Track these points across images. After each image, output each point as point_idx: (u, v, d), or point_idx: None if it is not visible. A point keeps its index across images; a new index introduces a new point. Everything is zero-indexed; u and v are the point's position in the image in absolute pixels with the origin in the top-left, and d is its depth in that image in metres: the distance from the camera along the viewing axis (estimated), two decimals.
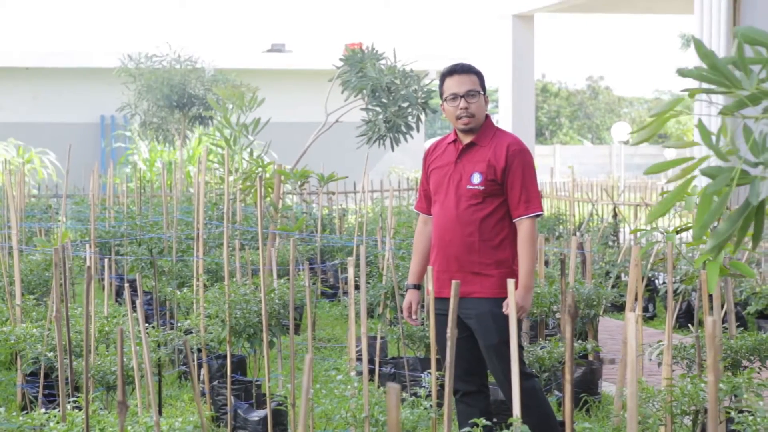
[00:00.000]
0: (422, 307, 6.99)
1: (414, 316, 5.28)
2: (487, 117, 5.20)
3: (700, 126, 2.26)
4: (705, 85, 2.22)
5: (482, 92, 5.15)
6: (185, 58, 17.65)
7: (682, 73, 2.25)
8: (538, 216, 5.06)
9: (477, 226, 5.05)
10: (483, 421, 4.05)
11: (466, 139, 5.14)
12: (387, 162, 27.28)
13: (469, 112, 5.08)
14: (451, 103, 5.11)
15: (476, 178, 5.05)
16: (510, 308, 3.95)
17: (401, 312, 7.07)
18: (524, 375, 4.96)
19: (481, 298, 5.01)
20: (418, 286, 5.32)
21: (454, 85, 5.12)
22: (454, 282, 3.63)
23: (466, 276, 5.02)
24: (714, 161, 2.28)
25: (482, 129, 5.14)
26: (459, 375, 5.05)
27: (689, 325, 8.36)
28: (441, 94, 5.20)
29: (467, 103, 5.08)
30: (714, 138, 2.22)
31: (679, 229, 4.81)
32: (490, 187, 5.04)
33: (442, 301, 5.01)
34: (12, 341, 6.11)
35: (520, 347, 5.08)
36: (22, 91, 26.83)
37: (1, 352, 8.18)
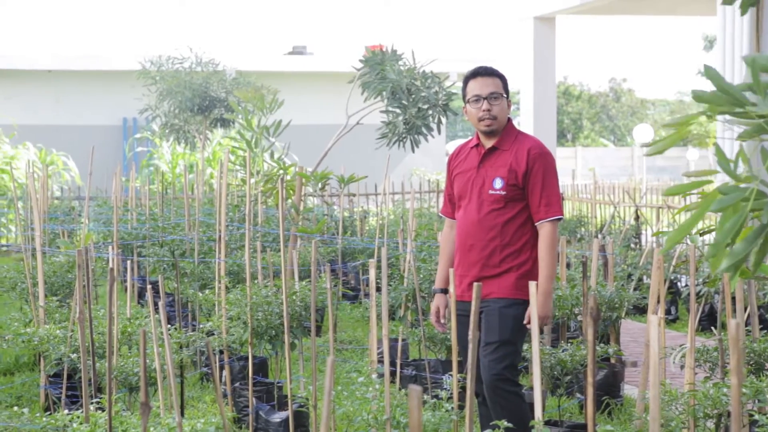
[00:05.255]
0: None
1: (442, 320, 5.28)
2: (509, 121, 5.20)
3: (718, 151, 2.26)
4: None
5: (505, 95, 5.15)
6: (207, 61, 17.70)
7: (697, 97, 2.25)
8: (558, 219, 5.05)
9: (499, 230, 5.06)
10: (504, 423, 4.04)
11: (488, 144, 5.15)
12: (408, 164, 27.28)
13: (491, 114, 5.08)
14: (474, 105, 5.12)
15: (498, 183, 5.06)
16: (531, 312, 3.93)
17: (423, 314, 7.07)
18: (511, 382, 4.96)
19: (495, 297, 5.02)
20: (446, 290, 5.31)
21: (477, 87, 5.12)
22: (476, 285, 3.63)
23: (486, 279, 5.03)
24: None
25: (504, 133, 5.14)
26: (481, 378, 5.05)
27: (712, 327, 8.33)
28: (464, 96, 5.20)
29: (490, 106, 5.08)
30: (732, 165, 2.21)
31: (702, 231, 4.79)
32: (511, 192, 5.05)
33: (463, 303, 5.02)
34: (35, 342, 6.15)
35: (517, 354, 5.05)
36: (45, 93, 26.97)
37: (24, 353, 8.23)
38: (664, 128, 2.42)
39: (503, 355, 4.96)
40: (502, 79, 5.18)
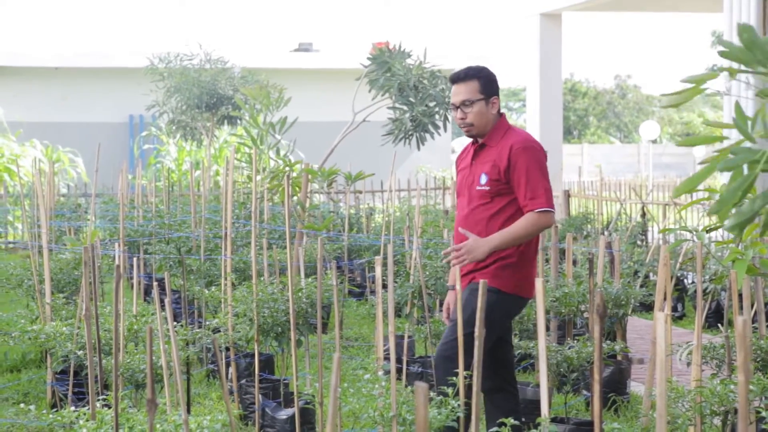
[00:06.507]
0: None
1: (452, 316, 5.29)
2: (502, 116, 5.20)
3: (737, 108, 2.24)
4: (744, 67, 2.19)
5: (483, 97, 5.12)
6: (216, 58, 17.71)
7: (725, 53, 2.22)
8: (545, 211, 5.02)
9: (484, 225, 5.09)
10: (511, 420, 4.04)
11: (480, 141, 5.20)
12: (414, 161, 27.27)
13: (465, 122, 5.15)
14: (454, 113, 5.23)
15: (483, 179, 5.11)
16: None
17: (429, 311, 7.07)
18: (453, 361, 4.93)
19: (475, 282, 5.07)
20: None
21: (453, 94, 5.20)
22: (482, 282, 3.63)
23: (476, 272, 5.08)
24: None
25: (493, 130, 5.17)
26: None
27: (719, 324, 8.31)
28: None
29: (464, 114, 5.13)
30: (750, 122, 2.19)
31: (708, 228, 4.78)
32: (495, 186, 5.07)
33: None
34: (42, 339, 6.15)
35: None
36: (52, 91, 27.01)
37: (31, 350, 8.24)
38: (684, 82, 2.39)
39: (450, 333, 5.01)
40: (480, 79, 5.14)
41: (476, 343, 3.48)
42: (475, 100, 5.11)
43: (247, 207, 10.52)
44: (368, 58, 11.79)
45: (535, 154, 5.07)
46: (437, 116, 11.44)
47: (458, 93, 5.14)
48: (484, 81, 5.14)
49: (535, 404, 6.01)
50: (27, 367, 8.18)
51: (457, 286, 4.60)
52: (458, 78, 5.16)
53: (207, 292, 7.19)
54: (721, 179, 23.05)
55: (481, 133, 5.16)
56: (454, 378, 4.36)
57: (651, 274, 10.31)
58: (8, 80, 26.76)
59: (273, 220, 10.16)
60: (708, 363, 5.57)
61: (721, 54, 2.24)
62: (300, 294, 6.27)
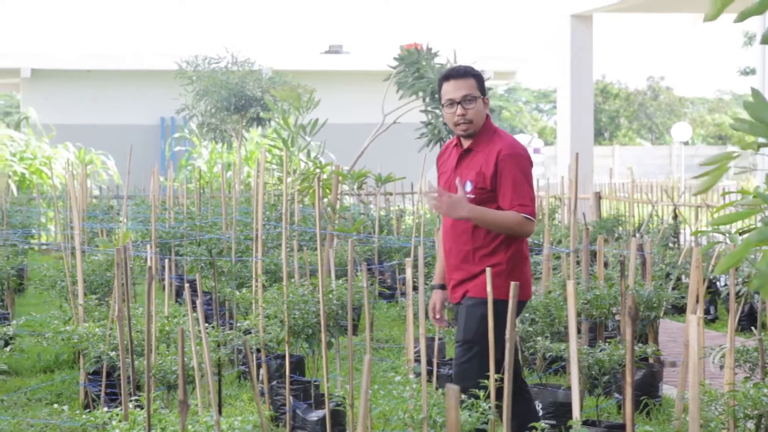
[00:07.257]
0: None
1: (438, 316, 5.25)
2: (488, 118, 5.12)
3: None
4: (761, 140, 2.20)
5: (481, 95, 5.07)
6: (243, 60, 17.76)
7: (735, 128, 2.23)
8: (530, 220, 4.94)
9: (470, 235, 5.02)
10: (542, 424, 4.02)
11: (465, 144, 5.11)
12: None
13: (466, 118, 5.02)
14: (449, 110, 5.06)
15: (468, 187, 5.01)
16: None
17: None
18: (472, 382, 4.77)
19: (469, 296, 5.02)
20: (443, 286, 5.29)
21: (450, 90, 5.04)
22: (513, 284, 3.62)
23: (466, 281, 5.04)
24: None
25: (480, 133, 5.07)
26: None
27: (752, 327, 8.24)
28: (440, 99, 5.17)
29: (464, 110, 5.01)
30: None
31: (741, 230, 4.75)
32: (480, 195, 4.99)
33: (454, 305, 5.13)
34: (75, 340, 6.20)
35: (480, 355, 4.85)
36: (83, 93, 27.20)
37: (64, 351, 8.30)
38: (704, 165, 2.40)
39: (461, 355, 4.96)
40: (477, 78, 5.08)
41: (507, 345, 3.48)
42: (476, 96, 5.03)
43: (277, 209, 10.55)
44: (395, 59, 11.78)
45: (521, 162, 4.99)
46: None
47: (459, 88, 5.01)
48: (479, 80, 5.09)
49: (567, 407, 5.99)
50: (60, 368, 8.24)
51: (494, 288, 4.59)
52: (457, 74, 5.06)
53: (238, 293, 7.22)
54: (753, 181, 22.83)
55: (474, 132, 5.05)
56: (485, 381, 4.35)
57: (683, 277, 10.24)
58: (40, 83, 26.98)
59: (303, 221, 10.18)
60: (741, 366, 5.53)
61: (732, 127, 2.24)
62: (330, 296, 6.28)
